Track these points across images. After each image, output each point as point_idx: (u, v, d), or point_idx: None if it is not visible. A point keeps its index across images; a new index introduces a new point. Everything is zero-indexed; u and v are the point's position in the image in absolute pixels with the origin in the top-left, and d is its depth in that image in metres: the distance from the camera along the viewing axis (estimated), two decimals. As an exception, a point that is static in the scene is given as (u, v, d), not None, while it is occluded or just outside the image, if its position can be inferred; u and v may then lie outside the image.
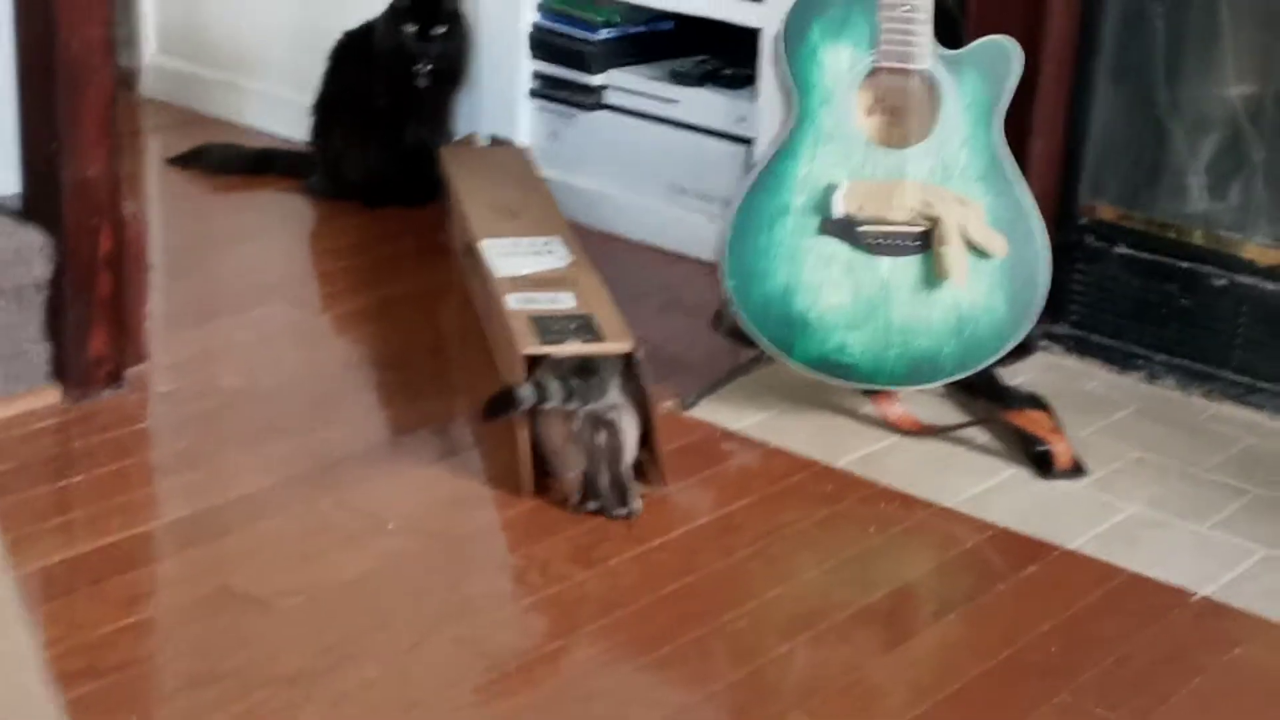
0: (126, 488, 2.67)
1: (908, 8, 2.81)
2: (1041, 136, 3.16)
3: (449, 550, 2.56)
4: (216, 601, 2.38)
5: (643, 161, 3.75)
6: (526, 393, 2.62)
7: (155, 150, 4.40)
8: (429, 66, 3.86)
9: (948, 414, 3.02)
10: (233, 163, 4.12)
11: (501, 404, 2.64)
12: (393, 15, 3.86)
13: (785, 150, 2.86)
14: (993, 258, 2.86)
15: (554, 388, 2.61)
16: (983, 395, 3.03)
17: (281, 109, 4.28)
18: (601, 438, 2.62)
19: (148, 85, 4.66)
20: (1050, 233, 3.12)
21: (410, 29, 3.82)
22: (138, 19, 4.63)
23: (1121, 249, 3.21)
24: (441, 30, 3.84)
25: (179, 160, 4.17)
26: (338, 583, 2.44)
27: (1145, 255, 3.19)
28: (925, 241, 2.86)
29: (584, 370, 2.64)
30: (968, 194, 2.86)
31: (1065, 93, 3.19)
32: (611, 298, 2.96)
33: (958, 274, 2.83)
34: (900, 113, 2.87)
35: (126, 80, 4.63)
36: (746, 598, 2.46)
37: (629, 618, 2.40)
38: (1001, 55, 2.86)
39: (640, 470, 2.71)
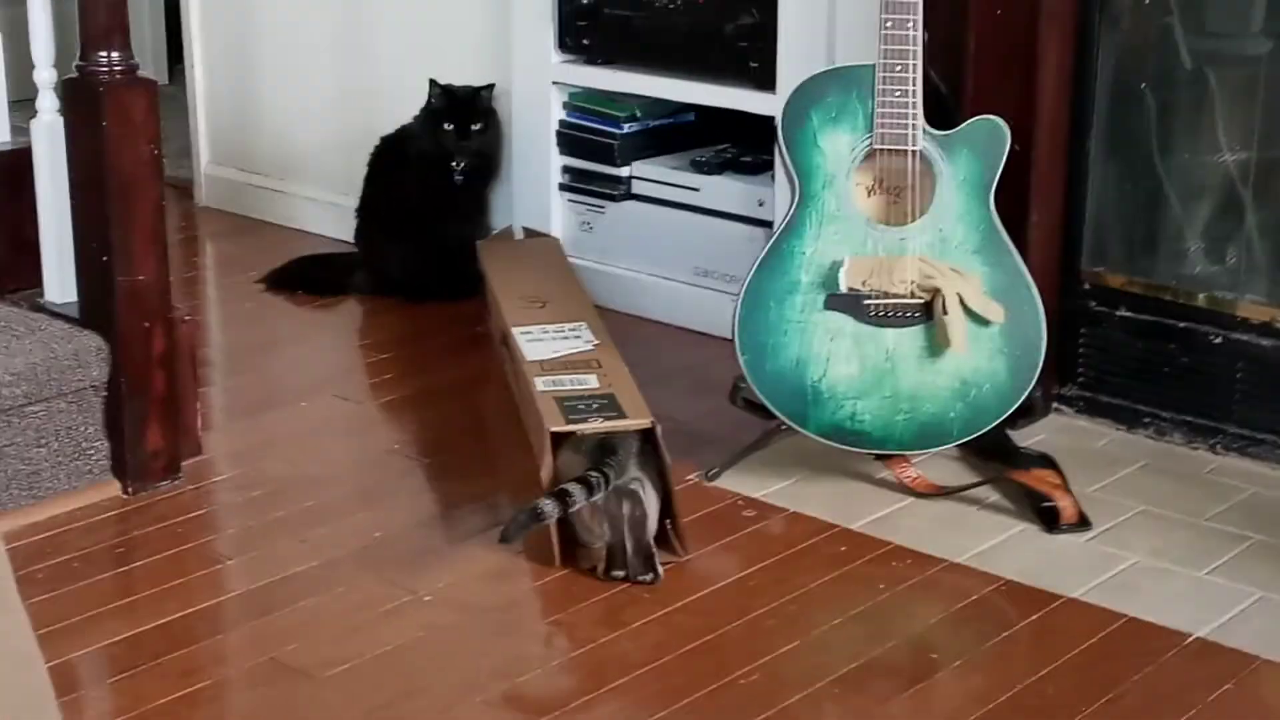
0: (183, 571, 2.84)
1: (900, 93, 2.97)
2: (1040, 209, 3.29)
3: (484, 619, 2.71)
4: (266, 673, 2.55)
5: (669, 247, 3.91)
6: (549, 507, 2.71)
7: (212, 255, 4.61)
8: (463, 164, 4.02)
9: (961, 475, 3.15)
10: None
11: (526, 522, 2.72)
12: (429, 116, 4.02)
13: (791, 231, 3.02)
14: (992, 325, 3.00)
15: (576, 491, 2.71)
16: (994, 456, 3.16)
17: (328, 213, 4.48)
18: (626, 509, 2.76)
19: (203, 194, 4.87)
20: (1054, 299, 3.26)
21: (448, 127, 3.99)
22: (194, 132, 4.86)
23: (1123, 312, 3.33)
24: (478, 126, 4.01)
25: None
26: (379, 653, 2.59)
27: (1145, 317, 3.30)
28: (927, 312, 3.00)
29: (604, 447, 2.79)
30: (965, 266, 3.01)
31: (1061, 167, 3.32)
32: (632, 377, 3.13)
33: (959, 342, 2.97)
34: (899, 192, 3.02)
35: (185, 190, 4.87)
36: (762, 653, 2.59)
37: (651, 675, 2.54)
38: (992, 134, 3.01)
39: (663, 539, 2.86)
